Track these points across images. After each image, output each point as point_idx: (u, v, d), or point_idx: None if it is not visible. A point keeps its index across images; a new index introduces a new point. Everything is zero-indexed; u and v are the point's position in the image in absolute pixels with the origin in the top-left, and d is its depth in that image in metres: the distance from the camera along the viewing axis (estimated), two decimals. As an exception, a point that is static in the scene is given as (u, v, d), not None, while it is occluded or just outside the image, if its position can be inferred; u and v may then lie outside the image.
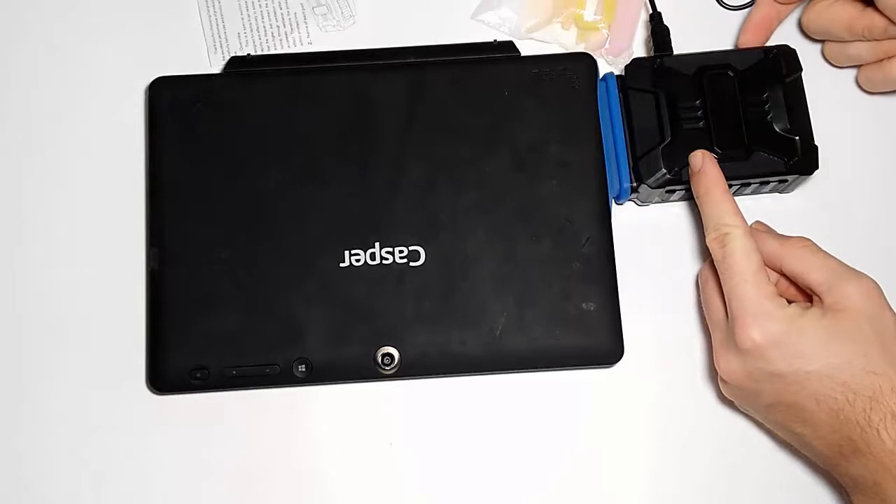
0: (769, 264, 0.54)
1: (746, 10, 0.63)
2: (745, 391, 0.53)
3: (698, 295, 0.59)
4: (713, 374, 0.57)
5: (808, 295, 0.53)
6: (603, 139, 0.58)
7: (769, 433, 0.57)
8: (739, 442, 0.57)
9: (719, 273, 0.53)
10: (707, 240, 0.53)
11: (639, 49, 0.63)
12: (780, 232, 0.56)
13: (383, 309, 0.56)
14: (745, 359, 0.51)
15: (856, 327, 0.49)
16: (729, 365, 0.52)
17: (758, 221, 0.57)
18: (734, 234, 0.52)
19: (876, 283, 0.51)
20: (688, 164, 0.56)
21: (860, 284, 0.50)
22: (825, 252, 0.53)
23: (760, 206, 0.60)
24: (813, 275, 0.52)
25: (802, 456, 0.55)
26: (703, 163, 0.55)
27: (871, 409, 0.48)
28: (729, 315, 0.52)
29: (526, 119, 0.59)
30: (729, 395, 0.55)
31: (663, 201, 0.60)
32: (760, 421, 0.55)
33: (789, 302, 0.52)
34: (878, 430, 0.48)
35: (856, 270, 0.51)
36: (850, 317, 0.50)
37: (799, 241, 0.53)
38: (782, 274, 0.54)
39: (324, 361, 0.56)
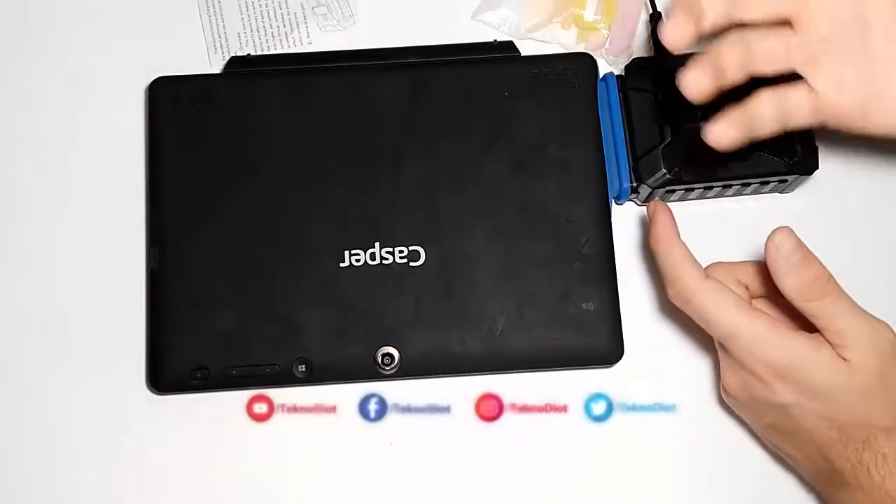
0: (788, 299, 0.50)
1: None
2: (746, 409, 0.53)
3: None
4: (713, 373, 0.57)
5: (804, 321, 0.50)
6: (603, 139, 0.59)
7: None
8: (740, 441, 0.57)
9: (702, 326, 0.51)
10: (670, 297, 0.51)
11: (639, 49, 0.63)
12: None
13: (383, 309, 0.56)
14: (750, 384, 0.50)
15: (867, 383, 0.48)
16: (733, 384, 0.52)
17: (779, 236, 0.48)
18: (691, 289, 0.49)
19: (893, 333, 0.49)
20: (688, 165, 0.56)
21: (878, 339, 0.48)
22: (844, 296, 0.49)
23: (760, 206, 0.60)
24: (832, 325, 0.48)
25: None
26: (655, 212, 0.52)
27: (863, 450, 0.48)
28: (728, 350, 0.51)
29: (526, 119, 0.59)
30: (729, 403, 0.55)
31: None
32: (755, 431, 0.56)
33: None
34: (868, 468, 0.48)
35: (873, 320, 0.49)
36: (862, 372, 0.48)
37: (816, 287, 0.48)
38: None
39: (324, 361, 0.56)
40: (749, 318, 0.49)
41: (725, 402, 0.55)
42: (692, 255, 0.51)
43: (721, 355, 0.53)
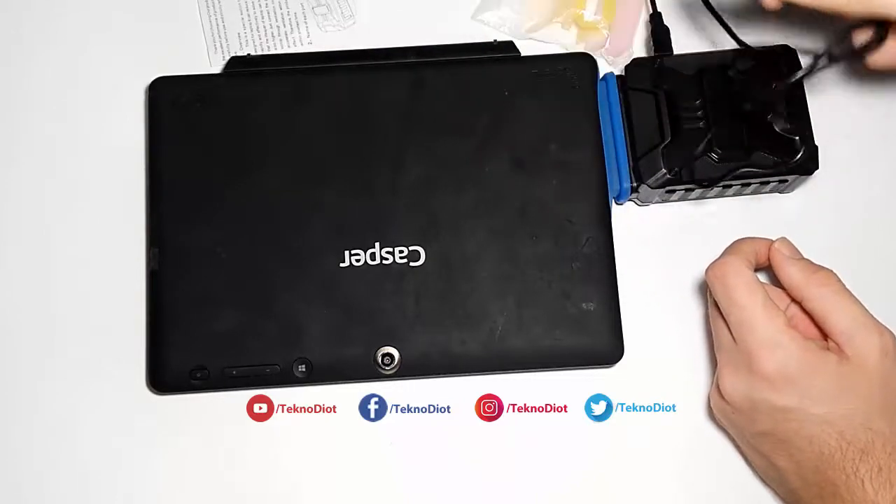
0: (790, 293, 0.53)
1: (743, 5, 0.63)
2: (740, 415, 0.52)
3: (700, 296, 0.59)
4: (712, 373, 0.57)
5: (821, 331, 0.52)
6: (603, 139, 0.59)
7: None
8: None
9: (721, 305, 0.52)
10: (707, 269, 0.53)
11: (639, 49, 0.63)
12: (782, 234, 0.55)
13: (383, 309, 0.56)
14: (754, 385, 0.50)
15: (867, 384, 0.49)
16: (734, 386, 0.52)
17: (782, 240, 0.54)
18: (731, 269, 0.51)
19: (895, 339, 0.50)
20: (687, 165, 0.56)
21: (882, 341, 0.50)
22: (849, 294, 0.51)
23: (760, 206, 0.60)
24: (835, 321, 0.50)
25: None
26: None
27: (860, 460, 0.48)
28: (738, 341, 0.51)
29: (526, 119, 0.59)
30: (720, 413, 0.54)
31: (663, 201, 0.60)
32: (740, 445, 0.55)
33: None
34: (863, 480, 0.48)
35: (877, 323, 0.50)
36: (864, 373, 0.49)
37: (824, 278, 0.52)
38: (800, 307, 0.53)
39: (324, 361, 0.56)
40: (769, 312, 0.50)
41: (714, 410, 0.55)
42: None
43: (724, 355, 0.53)
